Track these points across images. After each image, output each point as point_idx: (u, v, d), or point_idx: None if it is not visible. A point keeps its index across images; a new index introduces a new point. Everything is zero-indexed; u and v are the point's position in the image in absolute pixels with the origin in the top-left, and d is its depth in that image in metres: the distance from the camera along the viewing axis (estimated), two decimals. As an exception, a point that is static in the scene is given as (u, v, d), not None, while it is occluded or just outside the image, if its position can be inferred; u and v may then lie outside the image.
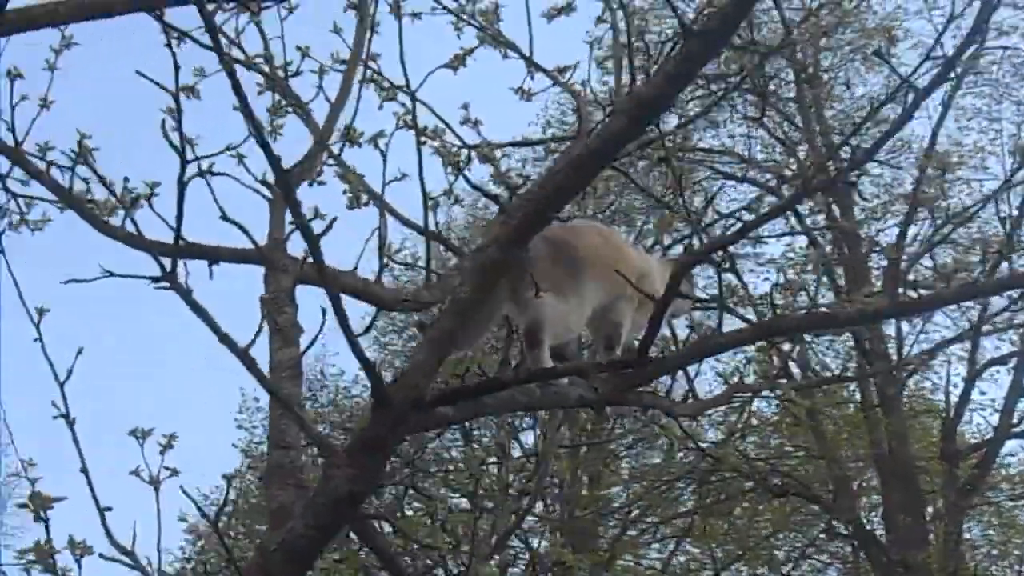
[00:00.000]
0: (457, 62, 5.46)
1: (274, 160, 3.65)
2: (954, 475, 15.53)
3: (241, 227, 4.63)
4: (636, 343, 4.62)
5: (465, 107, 5.46)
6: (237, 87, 3.46)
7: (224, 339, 3.85)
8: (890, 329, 16.68)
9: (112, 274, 4.01)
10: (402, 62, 5.23)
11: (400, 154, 5.20)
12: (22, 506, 3.89)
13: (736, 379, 5.06)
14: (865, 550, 16.55)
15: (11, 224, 4.97)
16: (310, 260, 4.66)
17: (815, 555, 18.82)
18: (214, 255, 4.80)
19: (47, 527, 4.12)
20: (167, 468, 4.11)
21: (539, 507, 19.84)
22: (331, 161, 5.38)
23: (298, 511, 3.91)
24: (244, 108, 3.61)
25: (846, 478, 16.50)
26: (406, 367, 3.87)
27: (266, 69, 5.49)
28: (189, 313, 3.79)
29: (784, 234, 16.00)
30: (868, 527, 16.67)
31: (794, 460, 17.73)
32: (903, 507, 15.65)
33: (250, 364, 3.87)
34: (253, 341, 3.87)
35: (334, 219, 4.52)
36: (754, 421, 17.73)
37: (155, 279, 3.87)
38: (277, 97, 5.51)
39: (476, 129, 5.43)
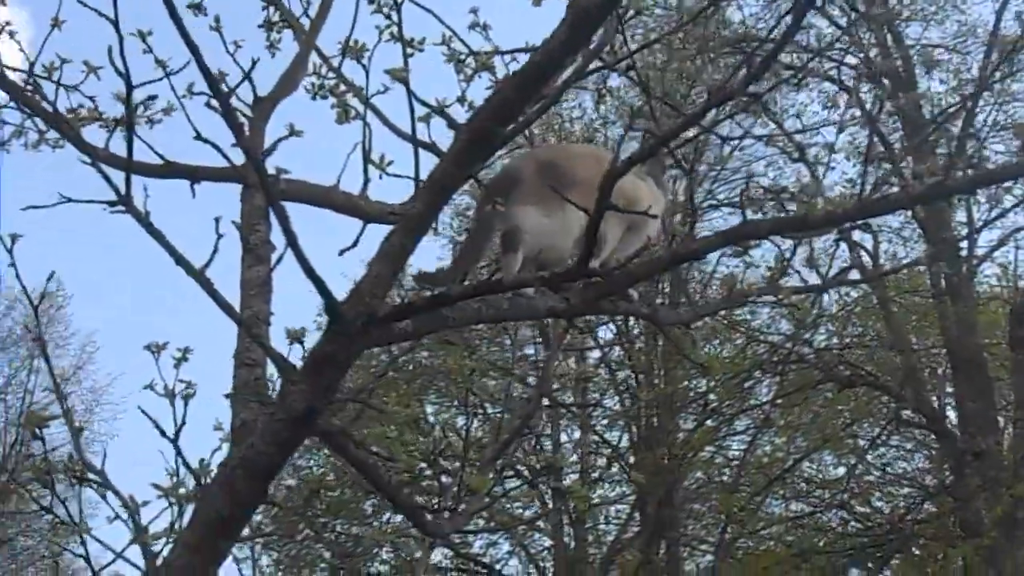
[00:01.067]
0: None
1: (213, 83, 3.67)
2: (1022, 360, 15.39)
3: (215, 145, 4.69)
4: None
5: (474, 11, 5.44)
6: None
7: (180, 261, 3.92)
8: (961, 215, 16.50)
9: (69, 199, 4.07)
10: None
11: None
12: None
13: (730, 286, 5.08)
14: (937, 438, 16.50)
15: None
16: (287, 177, 4.74)
17: (889, 443, 18.78)
18: (194, 174, 4.87)
19: (43, 443, 4.25)
20: (182, 381, 4.25)
21: (615, 403, 20.01)
22: (330, 75, 5.38)
23: (259, 428, 3.99)
24: (181, 31, 3.62)
25: (916, 367, 16.41)
26: (358, 282, 3.90)
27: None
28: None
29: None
30: (940, 415, 16.57)
31: (863, 350, 17.66)
32: (973, 395, 15.55)
33: (206, 284, 3.93)
34: (209, 262, 3.93)
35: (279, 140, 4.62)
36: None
37: (111, 203, 3.93)
38: (270, 11, 5.52)
39: (486, 34, 5.39)
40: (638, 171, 4.64)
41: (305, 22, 5.49)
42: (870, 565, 18.35)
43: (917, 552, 18.07)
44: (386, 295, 3.91)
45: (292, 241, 3.77)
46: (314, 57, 5.26)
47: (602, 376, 20.06)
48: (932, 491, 18.16)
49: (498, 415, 18.08)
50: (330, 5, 5.36)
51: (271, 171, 4.86)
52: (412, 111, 4.96)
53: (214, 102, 4.58)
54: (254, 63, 5.05)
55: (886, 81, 16.14)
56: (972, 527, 15.51)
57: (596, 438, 20.24)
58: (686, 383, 19.02)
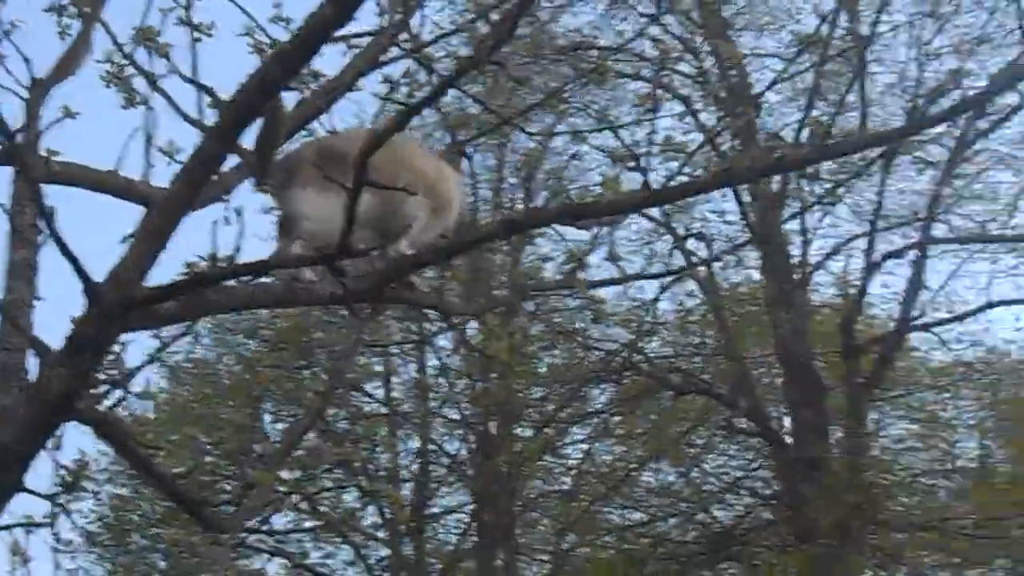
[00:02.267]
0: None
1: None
2: (853, 368, 15.62)
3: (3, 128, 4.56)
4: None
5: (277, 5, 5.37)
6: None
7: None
8: (795, 224, 16.68)
9: None
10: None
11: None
12: None
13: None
14: (771, 446, 16.66)
15: None
16: (64, 160, 4.61)
17: (726, 451, 18.95)
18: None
19: None
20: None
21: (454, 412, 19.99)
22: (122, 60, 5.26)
23: (13, 414, 3.88)
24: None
25: (749, 375, 16.56)
26: (117, 264, 3.80)
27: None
28: None
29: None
30: (773, 424, 16.74)
31: (698, 359, 17.81)
32: (806, 403, 15.74)
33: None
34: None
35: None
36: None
37: None
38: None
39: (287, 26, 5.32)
40: (437, 154, 4.61)
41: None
42: (706, 573, 18.49)
43: (753, 560, 18.20)
44: (145, 276, 3.81)
45: (47, 219, 3.67)
46: (106, 42, 5.15)
47: (441, 384, 20.03)
48: (767, 499, 18.32)
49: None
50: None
51: (43, 153, 4.76)
52: (200, 96, 4.88)
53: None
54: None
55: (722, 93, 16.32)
56: (806, 535, 15.66)
57: (435, 447, 20.15)
58: (523, 391, 19.03)
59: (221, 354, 21.92)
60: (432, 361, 19.53)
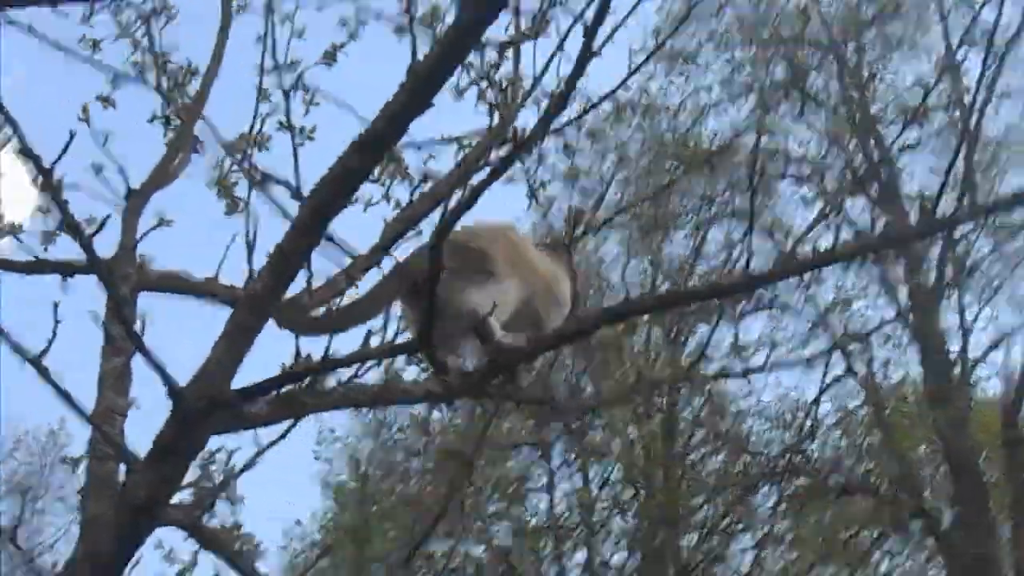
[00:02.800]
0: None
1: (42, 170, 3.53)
2: (1018, 462, 15.10)
3: (82, 239, 4.55)
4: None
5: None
6: None
7: (16, 349, 3.75)
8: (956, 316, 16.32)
9: None
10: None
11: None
12: None
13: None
14: (938, 544, 16.17)
15: None
16: (158, 268, 4.59)
17: (891, 550, 18.46)
18: (65, 269, 4.72)
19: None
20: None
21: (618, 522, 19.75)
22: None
23: (105, 522, 3.81)
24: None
25: (912, 473, 16.13)
26: (202, 366, 3.72)
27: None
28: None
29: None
30: (940, 522, 16.26)
31: (860, 459, 17.43)
32: (970, 498, 15.25)
33: (42, 372, 3.75)
34: (46, 349, 3.75)
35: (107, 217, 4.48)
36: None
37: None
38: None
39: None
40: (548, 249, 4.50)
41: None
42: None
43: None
44: (230, 377, 3.73)
45: (127, 328, 3.62)
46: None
47: (605, 496, 19.87)
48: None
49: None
50: (207, 94, 5.25)
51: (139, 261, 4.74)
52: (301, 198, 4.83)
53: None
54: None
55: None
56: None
57: (601, 561, 19.94)
58: (689, 499, 18.76)
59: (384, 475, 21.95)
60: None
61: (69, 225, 3.62)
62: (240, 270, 4.68)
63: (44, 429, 26.48)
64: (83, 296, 4.70)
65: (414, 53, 4.65)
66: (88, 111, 4.84)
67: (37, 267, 4.74)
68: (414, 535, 18.56)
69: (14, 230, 4.84)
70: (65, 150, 3.58)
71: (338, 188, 3.68)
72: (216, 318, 4.48)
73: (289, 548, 21.35)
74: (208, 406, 3.66)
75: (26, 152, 3.55)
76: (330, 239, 5.08)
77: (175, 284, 4.68)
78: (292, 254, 3.72)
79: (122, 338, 4.36)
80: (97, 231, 3.82)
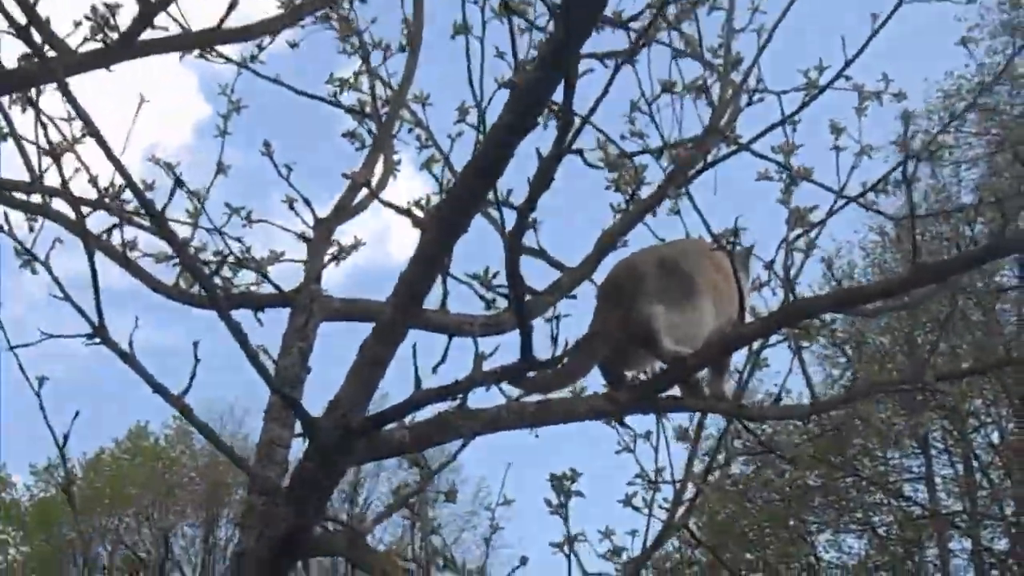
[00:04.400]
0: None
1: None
2: None
3: (264, 274, 4.67)
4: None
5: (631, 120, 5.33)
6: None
7: (158, 388, 3.85)
8: None
9: (50, 335, 4.06)
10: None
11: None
12: None
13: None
14: None
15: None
16: (335, 296, 4.65)
17: None
18: (257, 303, 4.83)
19: None
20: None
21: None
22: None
23: (246, 555, 3.88)
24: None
25: None
26: (335, 397, 3.76)
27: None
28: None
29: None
30: None
31: None
32: None
33: (185, 412, 3.84)
34: (187, 390, 3.84)
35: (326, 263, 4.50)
36: None
37: (88, 336, 3.91)
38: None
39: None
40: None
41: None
42: None
43: None
44: (365, 405, 3.74)
45: (252, 360, 3.66)
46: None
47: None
48: None
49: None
50: (389, 134, 5.28)
51: (325, 291, 4.81)
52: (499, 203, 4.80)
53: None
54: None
55: None
56: None
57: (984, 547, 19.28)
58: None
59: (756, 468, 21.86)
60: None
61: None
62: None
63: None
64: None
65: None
66: (270, 146, 4.96)
67: (233, 303, 4.87)
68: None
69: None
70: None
71: (458, 213, 3.63)
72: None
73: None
74: (343, 437, 3.68)
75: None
76: (539, 252, 5.07)
77: (369, 311, 4.71)
78: (416, 284, 3.70)
79: (289, 368, 4.43)
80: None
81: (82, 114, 3.77)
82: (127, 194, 5.19)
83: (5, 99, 4.68)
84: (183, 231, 5.24)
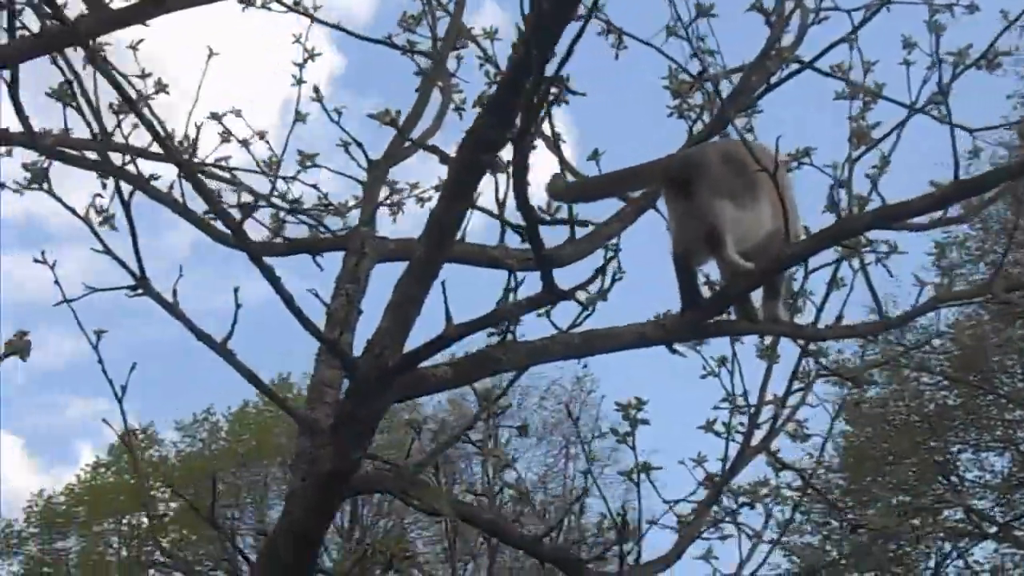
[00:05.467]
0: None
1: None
2: None
3: (316, 217, 4.72)
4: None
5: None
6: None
7: (202, 336, 3.93)
8: None
9: (94, 289, 4.14)
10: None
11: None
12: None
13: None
14: None
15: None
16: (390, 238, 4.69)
17: None
18: (313, 247, 4.89)
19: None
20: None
21: None
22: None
23: (294, 494, 3.95)
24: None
25: None
26: (372, 336, 3.79)
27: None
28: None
29: None
30: None
31: None
32: None
33: (229, 357, 3.91)
34: (230, 335, 3.91)
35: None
36: None
37: (131, 287, 3.99)
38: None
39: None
40: None
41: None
42: None
43: None
44: (402, 343, 3.77)
45: (287, 302, 3.71)
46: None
47: None
48: None
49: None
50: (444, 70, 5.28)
51: (380, 233, 4.84)
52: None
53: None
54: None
55: None
56: None
57: None
58: None
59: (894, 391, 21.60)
60: None
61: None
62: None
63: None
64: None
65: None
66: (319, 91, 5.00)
67: (290, 248, 4.94)
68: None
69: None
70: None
71: (473, 152, 3.63)
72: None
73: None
74: (378, 375, 3.72)
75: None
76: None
77: (411, 250, 4.73)
78: (446, 220, 3.71)
79: (339, 310, 4.47)
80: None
81: (109, 77, 3.86)
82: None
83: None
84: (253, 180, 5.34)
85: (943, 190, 3.98)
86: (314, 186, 5.33)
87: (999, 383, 21.15)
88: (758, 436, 4.99)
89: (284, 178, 5.34)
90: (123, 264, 3.97)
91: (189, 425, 30.35)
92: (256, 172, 5.39)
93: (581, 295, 3.73)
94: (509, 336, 3.97)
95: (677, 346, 4.30)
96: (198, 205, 4.71)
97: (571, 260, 4.45)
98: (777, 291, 4.36)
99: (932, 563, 21.74)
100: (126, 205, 3.92)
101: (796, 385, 5.04)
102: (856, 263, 4.56)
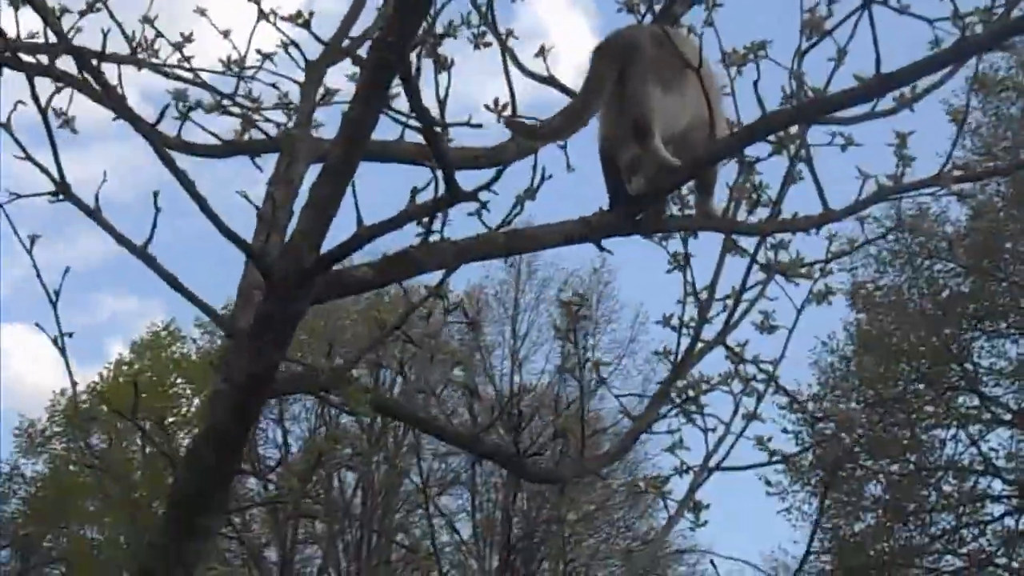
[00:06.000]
0: None
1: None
2: None
3: (249, 119, 4.71)
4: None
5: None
6: None
7: (122, 240, 3.95)
8: None
9: (18, 196, 4.15)
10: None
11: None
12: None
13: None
14: None
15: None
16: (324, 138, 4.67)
17: None
18: (252, 149, 4.89)
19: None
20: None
21: None
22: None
23: (215, 399, 3.97)
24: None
25: None
26: (290, 237, 3.80)
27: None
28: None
29: None
30: None
31: None
32: None
33: (149, 261, 3.93)
34: (149, 239, 3.92)
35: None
36: None
37: (52, 194, 4.00)
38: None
39: None
40: None
41: None
42: None
43: None
44: (318, 245, 3.77)
45: (200, 203, 3.71)
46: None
47: None
48: None
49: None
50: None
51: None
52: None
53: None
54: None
55: None
56: None
57: None
58: None
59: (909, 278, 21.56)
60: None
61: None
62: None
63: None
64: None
65: None
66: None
67: (228, 150, 4.94)
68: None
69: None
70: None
71: (390, 54, 3.60)
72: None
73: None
74: (295, 276, 3.72)
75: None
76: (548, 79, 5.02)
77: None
78: (359, 121, 3.70)
79: (269, 216, 4.46)
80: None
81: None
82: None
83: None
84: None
85: (865, 84, 3.95)
86: (274, 85, 5.29)
87: (1013, 271, 21.08)
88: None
89: (243, 78, 5.29)
90: (44, 170, 3.98)
91: (208, 322, 30.45)
92: (217, 73, 5.34)
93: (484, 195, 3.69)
94: (436, 236, 3.96)
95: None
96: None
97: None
98: (709, 186, 4.35)
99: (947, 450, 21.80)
100: (43, 112, 3.91)
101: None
102: (788, 159, 4.53)
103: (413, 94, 3.36)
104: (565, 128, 4.28)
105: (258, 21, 5.08)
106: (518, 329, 28.66)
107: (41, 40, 4.83)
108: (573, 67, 4.75)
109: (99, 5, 5.08)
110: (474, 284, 27.79)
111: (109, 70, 4.95)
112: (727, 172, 4.55)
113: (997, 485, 21.68)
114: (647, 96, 4.05)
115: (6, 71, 4.44)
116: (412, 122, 4.64)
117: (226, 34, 5.40)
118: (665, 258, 4.73)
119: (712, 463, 4.92)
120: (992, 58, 15.60)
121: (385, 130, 4.68)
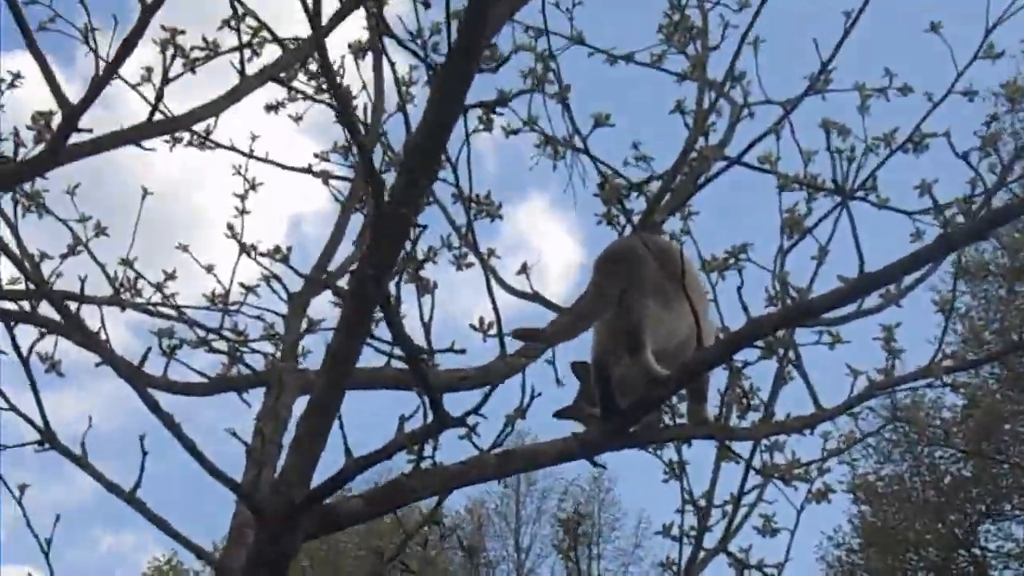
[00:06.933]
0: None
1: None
2: None
3: (235, 355, 4.70)
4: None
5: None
6: None
7: (111, 487, 3.91)
8: None
9: (4, 447, 4.13)
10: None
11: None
12: None
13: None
14: None
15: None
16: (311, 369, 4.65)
17: None
18: (237, 385, 4.87)
19: None
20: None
21: None
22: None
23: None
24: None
25: None
26: (279, 475, 3.75)
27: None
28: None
29: None
30: None
31: None
32: None
33: (139, 506, 3.89)
34: (138, 484, 3.88)
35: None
36: None
37: (37, 443, 3.97)
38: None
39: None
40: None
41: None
42: None
43: None
44: (307, 480, 3.72)
45: (183, 441, 3.68)
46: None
47: None
48: None
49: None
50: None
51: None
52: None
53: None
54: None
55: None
56: None
57: None
58: None
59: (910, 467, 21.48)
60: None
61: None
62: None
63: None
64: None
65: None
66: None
67: (213, 387, 4.92)
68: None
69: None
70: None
71: (363, 285, 3.59)
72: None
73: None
74: (287, 514, 3.66)
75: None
76: (533, 296, 5.04)
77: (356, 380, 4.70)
78: (342, 353, 3.68)
79: (260, 448, 4.43)
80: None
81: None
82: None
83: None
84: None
85: (849, 284, 3.93)
86: (259, 317, 5.30)
87: (1014, 452, 21.01)
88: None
89: (228, 312, 5.31)
90: (29, 420, 3.95)
91: (211, 553, 30.17)
92: (201, 308, 5.36)
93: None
94: (427, 461, 3.92)
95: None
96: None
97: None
98: (702, 393, 4.31)
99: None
100: (24, 361, 3.90)
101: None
102: (776, 362, 4.52)
103: (394, 324, 3.34)
104: (571, 330, 4.23)
105: (239, 257, 5.11)
106: (521, 542, 28.46)
107: (22, 287, 4.86)
108: (557, 278, 4.77)
109: (80, 248, 5.13)
110: (474, 499, 27.65)
111: (92, 312, 4.97)
112: (718, 377, 4.53)
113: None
114: (643, 308, 4.03)
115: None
116: (397, 350, 4.61)
117: (209, 269, 5.42)
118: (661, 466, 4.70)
119: None
120: (977, 241, 15.73)
121: (371, 355, 4.67)
